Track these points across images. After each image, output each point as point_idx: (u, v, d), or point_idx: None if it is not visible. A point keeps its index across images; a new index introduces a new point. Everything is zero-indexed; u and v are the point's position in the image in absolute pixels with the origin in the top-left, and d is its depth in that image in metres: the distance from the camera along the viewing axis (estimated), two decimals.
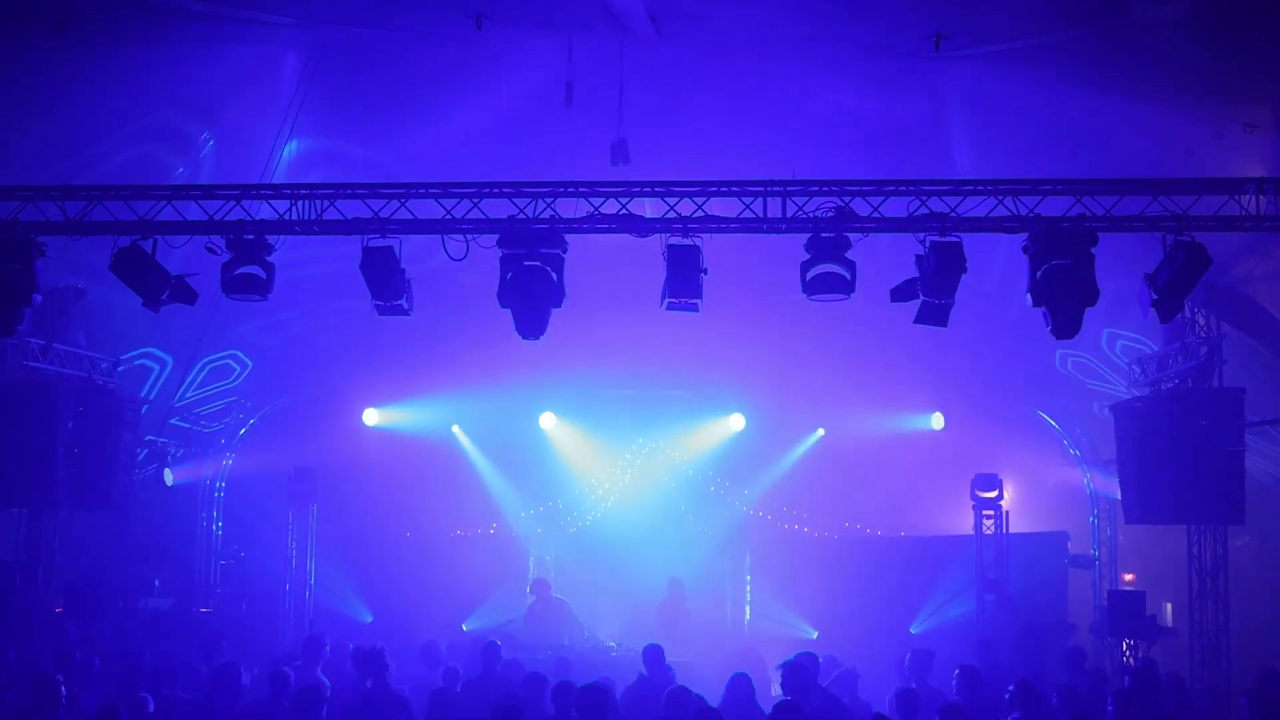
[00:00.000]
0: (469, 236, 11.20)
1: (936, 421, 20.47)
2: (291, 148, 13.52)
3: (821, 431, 20.77)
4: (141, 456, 17.81)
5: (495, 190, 11.34)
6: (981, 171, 11.35)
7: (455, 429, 20.95)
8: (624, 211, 11.26)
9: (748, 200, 11.20)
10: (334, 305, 16.53)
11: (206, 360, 18.23)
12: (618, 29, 12.43)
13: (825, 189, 11.14)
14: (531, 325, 11.35)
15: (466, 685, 11.99)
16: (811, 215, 11.10)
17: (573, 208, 11.32)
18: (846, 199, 11.13)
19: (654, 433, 20.97)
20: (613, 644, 17.36)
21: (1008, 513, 18.33)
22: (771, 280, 13.19)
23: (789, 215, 11.15)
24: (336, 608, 19.42)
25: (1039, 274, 10.82)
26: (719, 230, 11.22)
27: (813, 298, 11.22)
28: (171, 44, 12.39)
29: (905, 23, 11.86)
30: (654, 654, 12.23)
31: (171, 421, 19.22)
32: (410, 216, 11.32)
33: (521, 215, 11.26)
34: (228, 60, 13.11)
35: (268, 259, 11.36)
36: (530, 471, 20.81)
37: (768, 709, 9.92)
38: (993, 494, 18.23)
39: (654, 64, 12.87)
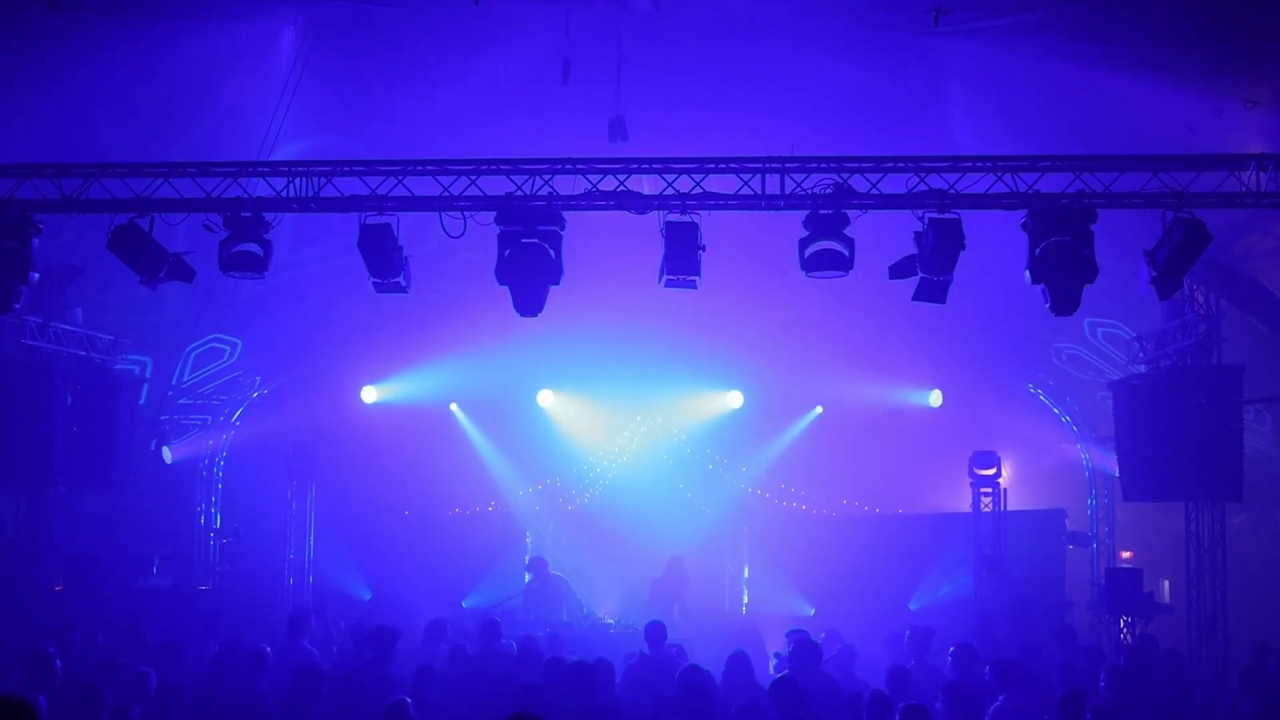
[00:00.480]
0: (466, 214, 11.18)
1: (935, 399, 20.47)
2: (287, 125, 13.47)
3: (820, 409, 20.76)
4: (140, 435, 17.81)
5: (493, 167, 11.31)
6: (981, 148, 11.30)
7: (453, 407, 20.94)
8: (622, 188, 11.23)
9: (746, 177, 11.18)
10: (336, 296, 16.60)
11: (193, 347, 18.33)
12: (615, 3, 12.38)
13: (824, 165, 11.11)
14: (529, 303, 11.32)
15: (467, 661, 12.00)
16: (810, 192, 11.07)
17: (571, 185, 11.30)
18: (845, 176, 11.10)
19: (652, 411, 20.96)
20: (611, 621, 17.38)
21: (1006, 490, 18.34)
22: (770, 257, 13.16)
23: (787, 192, 11.12)
24: (335, 585, 19.43)
25: (1038, 251, 10.79)
26: (717, 207, 11.20)
27: (811, 275, 11.20)
28: (166, 19, 12.33)
29: None
30: (656, 631, 12.20)
31: (170, 399, 19.24)
32: (407, 194, 11.29)
33: (519, 192, 11.24)
34: (224, 36, 13.06)
35: (265, 236, 11.34)
36: (528, 449, 20.80)
37: (766, 686, 9.95)
38: (991, 471, 18.24)
39: (652, 40, 12.83)
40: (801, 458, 20.55)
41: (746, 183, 11.18)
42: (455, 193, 11.24)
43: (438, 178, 11.29)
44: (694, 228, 11.15)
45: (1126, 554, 19.15)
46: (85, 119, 13.33)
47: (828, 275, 11.16)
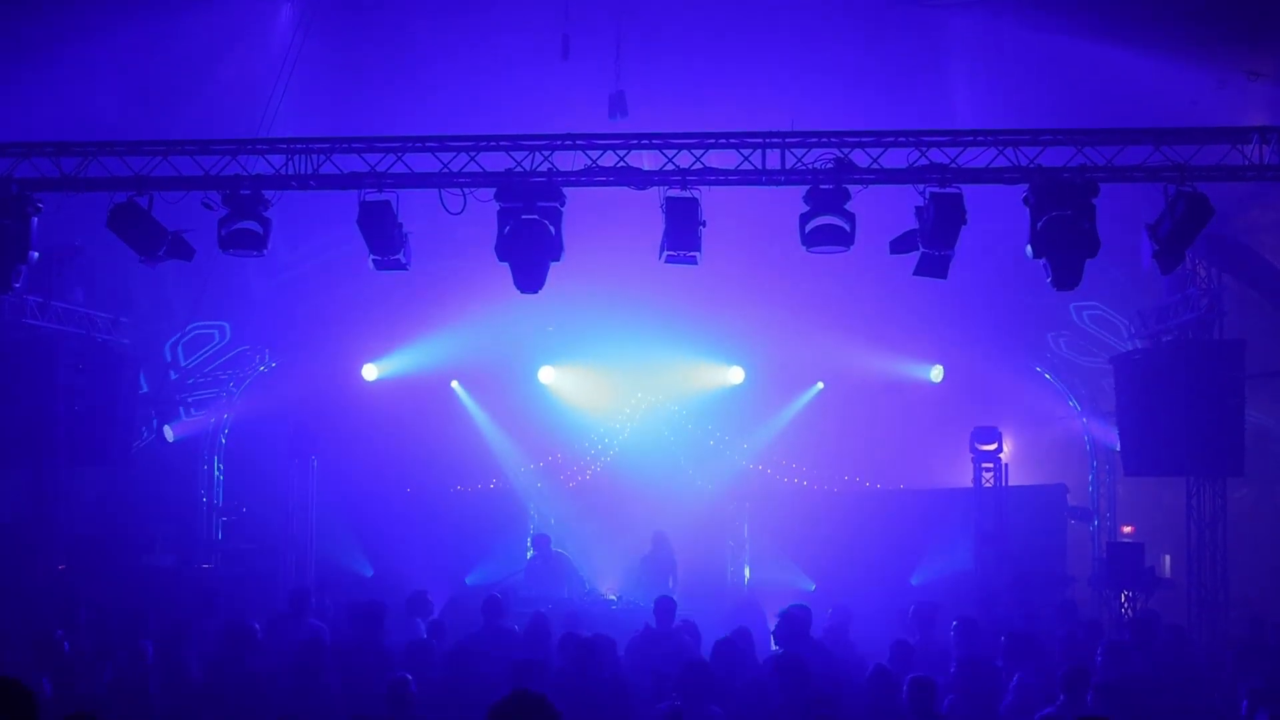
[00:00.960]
0: (466, 190, 11.14)
1: (936, 374, 20.45)
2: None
3: (821, 385, 20.77)
4: (141, 413, 17.83)
5: (492, 143, 11.25)
6: (982, 122, 11.24)
7: (454, 384, 20.95)
8: (622, 164, 11.18)
9: (746, 152, 11.13)
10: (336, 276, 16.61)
11: (177, 337, 18.35)
12: None
13: (824, 140, 11.06)
14: (530, 279, 11.29)
15: (469, 639, 12.01)
16: (810, 167, 11.03)
17: (571, 160, 11.25)
18: (846, 150, 11.05)
19: (654, 388, 20.97)
20: (613, 597, 17.42)
21: (1007, 465, 18.35)
22: (771, 233, 13.13)
23: (788, 167, 11.08)
24: (337, 562, 19.47)
25: (1039, 225, 10.75)
26: (717, 183, 11.15)
27: (812, 250, 11.16)
28: None
29: None
30: (665, 606, 12.16)
31: (172, 381, 19.28)
32: (407, 170, 11.25)
33: (519, 168, 11.19)
34: (223, 13, 13.00)
35: (264, 214, 11.30)
36: (530, 426, 20.80)
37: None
38: (992, 446, 18.23)
39: (651, 15, 12.77)
40: (803, 433, 20.56)
41: (747, 158, 11.13)
42: (455, 169, 11.19)
43: (437, 154, 11.23)
44: (694, 203, 11.11)
45: (1127, 529, 19.19)
46: (83, 97, 13.28)
47: (829, 250, 11.11)
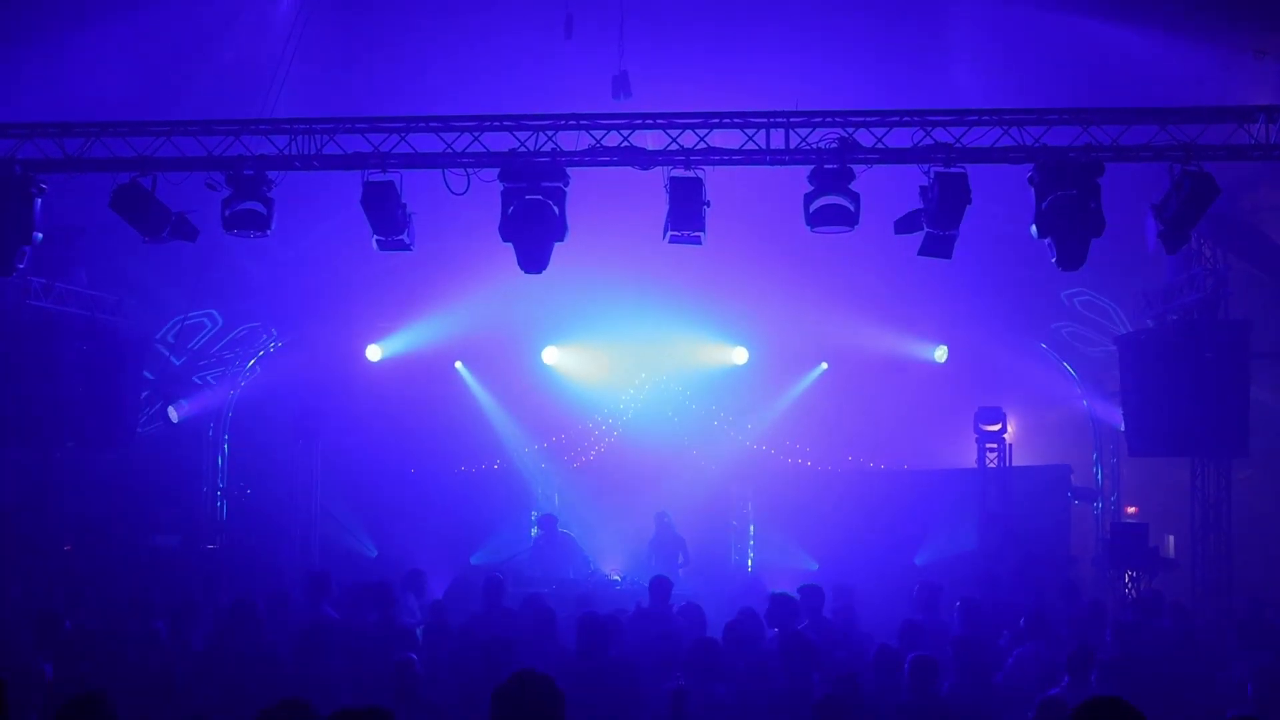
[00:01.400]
0: (470, 170, 11.11)
1: (940, 354, 20.44)
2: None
3: (825, 365, 20.77)
4: (145, 395, 17.84)
5: (496, 123, 11.22)
6: (987, 102, 11.20)
7: (458, 365, 20.95)
8: (626, 144, 11.15)
9: (750, 132, 11.10)
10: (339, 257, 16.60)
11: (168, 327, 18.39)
12: None
13: (829, 120, 11.03)
14: (533, 259, 11.27)
15: (470, 620, 12.03)
16: (815, 147, 10.99)
17: (574, 140, 11.21)
18: (850, 130, 11.02)
19: (658, 368, 20.97)
20: (617, 578, 17.46)
21: (1011, 445, 18.34)
22: (775, 213, 13.10)
23: (792, 147, 11.05)
24: (341, 543, 19.51)
25: (1044, 205, 10.72)
26: (721, 162, 11.12)
27: (816, 230, 11.14)
28: None
29: None
30: (660, 585, 12.21)
31: (173, 364, 19.30)
32: (411, 150, 11.23)
33: (522, 148, 11.17)
34: None
35: (268, 194, 11.28)
36: (534, 407, 20.81)
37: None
38: (996, 427, 18.21)
39: None
40: (807, 414, 20.56)
41: (751, 138, 11.10)
42: (458, 149, 11.16)
43: (441, 134, 11.21)
44: (698, 183, 11.08)
45: (1132, 509, 19.19)
46: (87, 78, 13.25)
47: (833, 230, 11.08)
